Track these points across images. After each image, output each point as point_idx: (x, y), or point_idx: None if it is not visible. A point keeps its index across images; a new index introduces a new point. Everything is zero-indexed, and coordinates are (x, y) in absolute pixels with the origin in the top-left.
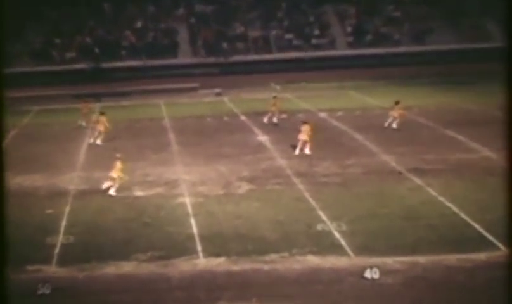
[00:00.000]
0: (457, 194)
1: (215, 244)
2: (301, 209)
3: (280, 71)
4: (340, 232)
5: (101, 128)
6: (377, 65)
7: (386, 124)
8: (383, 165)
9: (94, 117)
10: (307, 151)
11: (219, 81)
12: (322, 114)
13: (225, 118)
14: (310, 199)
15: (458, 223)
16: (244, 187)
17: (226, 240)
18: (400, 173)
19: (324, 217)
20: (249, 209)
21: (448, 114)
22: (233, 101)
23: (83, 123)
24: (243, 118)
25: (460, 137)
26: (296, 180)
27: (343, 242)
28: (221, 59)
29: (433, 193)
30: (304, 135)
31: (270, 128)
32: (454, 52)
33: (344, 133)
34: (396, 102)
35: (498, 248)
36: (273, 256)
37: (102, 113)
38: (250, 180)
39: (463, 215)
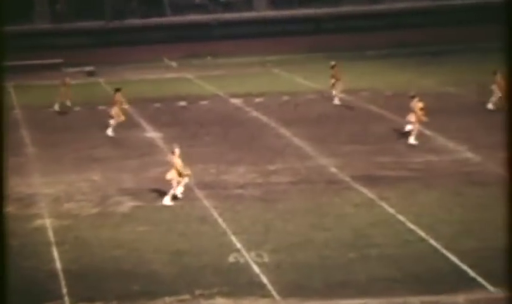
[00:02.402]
0: (423, 211)
1: (87, 285)
2: (206, 233)
3: (176, 41)
4: (261, 265)
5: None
6: (310, 32)
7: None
8: (319, 172)
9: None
10: None
11: (92, 55)
12: (235, 101)
13: (101, 107)
14: (219, 220)
15: (425, 252)
16: (127, 204)
17: (102, 278)
18: None
19: (238, 244)
20: (135, 234)
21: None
22: (111, 83)
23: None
24: (125, 106)
25: (427, 132)
26: (200, 194)
27: (264, 279)
28: (95, 25)
29: (390, 210)
30: None
31: (164, 121)
32: (417, 12)
33: (266, 127)
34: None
35: (483, 287)
36: (168, 299)
37: (117, 89)
38: (135, 193)
39: (432, 242)
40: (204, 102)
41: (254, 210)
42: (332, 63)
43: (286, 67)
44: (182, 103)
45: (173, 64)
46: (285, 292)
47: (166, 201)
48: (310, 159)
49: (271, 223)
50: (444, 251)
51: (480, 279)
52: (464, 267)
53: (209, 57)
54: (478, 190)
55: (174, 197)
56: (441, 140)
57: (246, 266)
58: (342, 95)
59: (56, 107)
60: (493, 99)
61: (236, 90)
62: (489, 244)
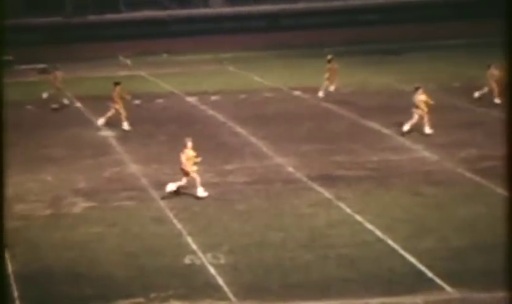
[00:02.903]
0: (381, 211)
1: (39, 288)
2: (162, 235)
3: (131, 37)
4: (217, 266)
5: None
6: (267, 29)
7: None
8: (276, 171)
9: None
10: None
11: (45, 52)
12: (191, 99)
13: (54, 106)
14: (175, 221)
15: (383, 253)
16: (81, 205)
17: (55, 281)
18: None
19: (194, 246)
20: (88, 236)
21: (370, 97)
22: (64, 81)
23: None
24: (78, 104)
25: (386, 131)
26: (156, 194)
27: (221, 280)
28: (48, 21)
29: (348, 210)
30: None
31: (118, 119)
32: (374, 9)
33: (222, 126)
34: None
35: (441, 288)
36: (122, 303)
37: (117, 83)
38: (89, 194)
39: (390, 242)
40: (159, 101)
41: (210, 211)
42: (329, 56)
43: (242, 64)
44: (137, 101)
45: (128, 61)
46: (241, 294)
47: (200, 192)
48: (267, 158)
49: (228, 223)
50: (402, 252)
51: (437, 280)
52: (422, 268)
53: (164, 55)
54: (435, 189)
55: (176, 192)
56: (398, 139)
57: (202, 268)
58: (332, 90)
59: (47, 97)
60: (483, 91)
61: (191, 88)
62: (446, 244)
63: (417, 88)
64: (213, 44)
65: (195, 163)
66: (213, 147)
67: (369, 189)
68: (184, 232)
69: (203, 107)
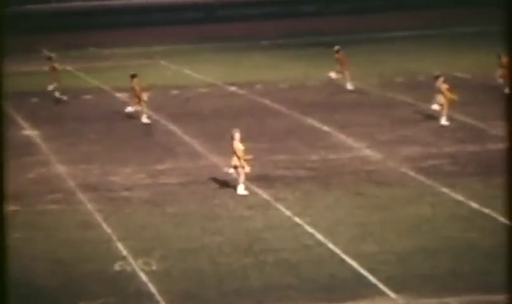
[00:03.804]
0: (321, 213)
1: None
2: (90, 240)
3: (56, 29)
4: (149, 273)
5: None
6: (201, 20)
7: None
8: (212, 172)
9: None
10: None
11: None
12: (121, 96)
13: None
14: (104, 225)
15: (324, 257)
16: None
17: None
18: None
19: (124, 251)
20: (11, 241)
21: (309, 93)
22: None
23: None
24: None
25: (326, 128)
26: (83, 196)
27: (153, 288)
28: None
29: (287, 212)
30: None
31: (42, 117)
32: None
33: (154, 124)
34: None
35: (384, 294)
36: None
37: (134, 75)
38: (12, 197)
39: (331, 245)
40: (87, 97)
41: (142, 214)
42: (337, 47)
43: (175, 58)
44: (64, 97)
45: (53, 55)
46: (175, 302)
47: (241, 190)
48: (202, 158)
49: (160, 227)
50: (343, 256)
51: (380, 285)
52: (364, 272)
53: (92, 48)
54: (378, 190)
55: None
56: (339, 137)
57: (133, 275)
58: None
59: (57, 94)
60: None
61: (121, 84)
62: (390, 247)
63: (437, 77)
64: (144, 37)
65: (240, 160)
66: (145, 146)
67: (309, 190)
68: (114, 237)
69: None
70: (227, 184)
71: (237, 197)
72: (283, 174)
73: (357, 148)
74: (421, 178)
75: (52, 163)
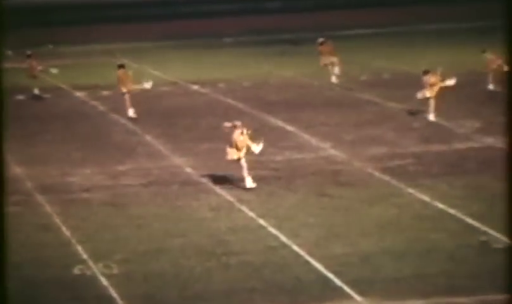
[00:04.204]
0: (285, 214)
1: None
2: (49, 243)
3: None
4: (109, 276)
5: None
6: (162, 17)
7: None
8: (174, 172)
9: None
10: None
11: None
12: (80, 95)
13: None
14: (63, 228)
15: (288, 259)
16: None
17: None
18: None
19: (84, 255)
20: None
21: (273, 91)
22: None
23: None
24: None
25: (290, 128)
26: (41, 198)
27: (113, 292)
28: None
29: (250, 214)
30: None
31: None
32: None
33: (114, 123)
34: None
35: (349, 297)
36: None
37: (121, 66)
38: None
39: (296, 248)
40: (44, 96)
41: (102, 216)
42: (320, 39)
43: (136, 56)
44: (20, 97)
45: (9, 53)
46: None
47: (249, 183)
48: (164, 158)
49: (121, 230)
50: (308, 258)
51: (346, 288)
52: (329, 275)
53: (50, 46)
54: (343, 190)
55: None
56: (304, 137)
57: (93, 279)
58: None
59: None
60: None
61: (80, 82)
62: (355, 249)
63: (426, 72)
64: (104, 34)
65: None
66: (105, 146)
67: (273, 191)
68: (73, 240)
69: (94, 103)
70: (190, 185)
71: (200, 198)
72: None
73: (321, 148)
74: (387, 178)
75: (9, 164)
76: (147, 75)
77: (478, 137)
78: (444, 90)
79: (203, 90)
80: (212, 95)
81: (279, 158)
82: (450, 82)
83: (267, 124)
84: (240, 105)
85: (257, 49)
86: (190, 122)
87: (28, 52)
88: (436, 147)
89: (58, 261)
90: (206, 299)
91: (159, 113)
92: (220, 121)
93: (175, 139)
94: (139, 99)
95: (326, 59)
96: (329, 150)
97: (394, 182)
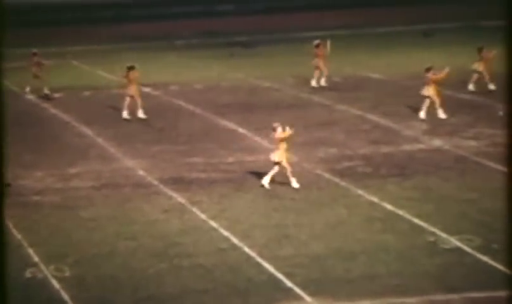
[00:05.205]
0: (237, 216)
1: None
2: None
3: None
4: (61, 279)
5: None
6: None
7: None
8: (125, 175)
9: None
10: None
11: None
12: (30, 97)
13: None
14: (14, 231)
15: (240, 261)
16: None
17: None
18: None
19: (35, 257)
20: None
21: (225, 94)
22: None
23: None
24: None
25: (241, 130)
26: None
27: (65, 295)
28: None
29: (202, 216)
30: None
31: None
32: None
33: (66, 126)
34: None
35: (300, 298)
36: None
37: (131, 67)
38: None
39: (247, 249)
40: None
41: (53, 219)
42: (317, 41)
43: (87, 59)
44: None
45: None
46: None
47: (294, 183)
48: (115, 161)
49: (73, 232)
50: (259, 259)
51: (296, 289)
52: (280, 276)
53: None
54: (293, 192)
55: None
56: (255, 139)
57: (45, 282)
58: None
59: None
60: (473, 79)
61: (31, 85)
62: (305, 250)
63: (428, 69)
64: (55, 36)
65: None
66: (56, 149)
67: (225, 193)
68: (24, 243)
69: (44, 105)
70: (142, 187)
71: (152, 201)
72: (198, 177)
73: (271, 149)
74: (336, 180)
75: None
76: (99, 77)
77: (425, 138)
78: (440, 87)
79: (155, 93)
80: (164, 98)
81: (230, 159)
82: (442, 74)
83: (219, 126)
84: (192, 107)
85: (209, 51)
86: (142, 124)
87: (34, 50)
88: (384, 149)
89: (9, 265)
90: (158, 301)
91: (111, 115)
92: (172, 123)
93: (127, 141)
94: (90, 101)
95: (319, 62)
96: None
97: (343, 183)
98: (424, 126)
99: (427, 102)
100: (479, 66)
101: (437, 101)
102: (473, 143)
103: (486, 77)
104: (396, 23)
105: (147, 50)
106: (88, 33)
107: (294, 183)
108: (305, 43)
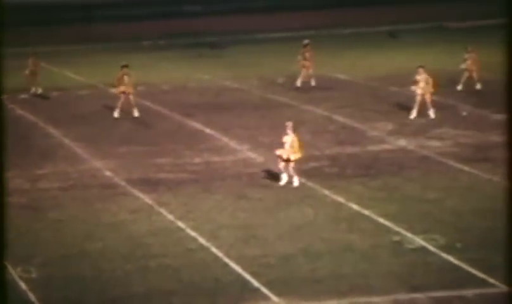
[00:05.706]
0: (204, 217)
1: None
2: None
3: None
4: (28, 281)
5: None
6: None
7: None
8: (93, 176)
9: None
10: None
11: None
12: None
13: None
14: None
15: (207, 261)
16: None
17: None
18: None
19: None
20: None
21: (192, 95)
22: None
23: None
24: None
25: (208, 131)
26: None
27: (32, 297)
28: None
29: (169, 217)
30: None
31: None
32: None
33: (33, 127)
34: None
35: (267, 298)
36: None
37: (124, 66)
38: None
39: (214, 250)
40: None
41: (20, 220)
42: (306, 41)
43: (55, 60)
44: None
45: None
46: None
47: (296, 181)
48: (83, 162)
49: (40, 234)
50: (226, 260)
51: (263, 289)
52: (247, 276)
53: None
54: (260, 192)
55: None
56: (222, 139)
57: (12, 284)
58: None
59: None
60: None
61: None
62: (272, 250)
63: (420, 67)
64: (21, 37)
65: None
66: (23, 150)
67: (192, 193)
68: None
69: (11, 106)
70: (109, 188)
71: (119, 202)
72: (166, 177)
73: (239, 150)
74: (303, 180)
75: None
76: (66, 78)
77: (390, 139)
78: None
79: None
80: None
81: (197, 160)
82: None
83: (186, 127)
84: (159, 108)
85: (176, 52)
86: (109, 125)
87: (34, 50)
88: (350, 149)
89: None
90: (126, 301)
91: (78, 116)
92: (139, 124)
93: (94, 142)
94: (57, 102)
95: (306, 62)
96: (247, 152)
97: (310, 183)
98: (390, 127)
99: (417, 100)
100: (468, 65)
101: (428, 99)
102: (437, 143)
103: (475, 76)
104: (363, 24)
105: (114, 51)
106: (56, 34)
107: (296, 181)
108: (272, 44)
